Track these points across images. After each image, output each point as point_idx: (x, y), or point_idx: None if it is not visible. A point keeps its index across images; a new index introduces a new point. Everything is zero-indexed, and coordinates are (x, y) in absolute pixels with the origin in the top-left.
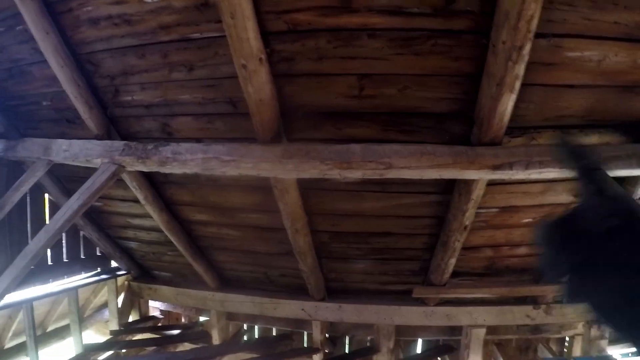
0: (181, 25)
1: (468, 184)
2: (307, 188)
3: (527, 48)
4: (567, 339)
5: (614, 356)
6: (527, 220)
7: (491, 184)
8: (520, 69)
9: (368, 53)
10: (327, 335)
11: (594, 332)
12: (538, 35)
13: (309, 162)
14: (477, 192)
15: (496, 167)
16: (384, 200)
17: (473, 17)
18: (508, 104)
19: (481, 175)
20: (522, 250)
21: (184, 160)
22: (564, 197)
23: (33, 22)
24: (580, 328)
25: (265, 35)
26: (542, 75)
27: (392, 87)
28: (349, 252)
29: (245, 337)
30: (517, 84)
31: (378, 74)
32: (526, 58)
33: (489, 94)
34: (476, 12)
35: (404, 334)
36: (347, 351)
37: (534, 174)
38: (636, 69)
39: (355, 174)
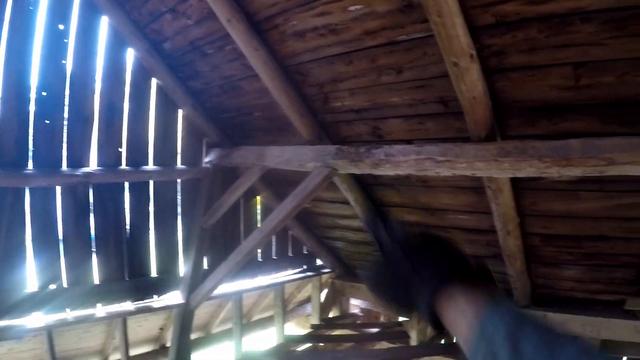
0: (386, 29)
1: None
2: (520, 188)
3: None
4: None
5: None
6: None
7: None
8: None
9: (582, 39)
10: None
11: None
12: None
13: (525, 160)
14: None
15: None
16: (601, 200)
17: None
18: None
19: None
20: None
21: (396, 161)
22: None
23: (242, 41)
24: None
25: (473, 30)
26: None
27: (610, 75)
28: (559, 256)
29: (442, 341)
30: None
31: (594, 61)
32: None
33: None
34: None
35: (608, 349)
36: None
37: None
38: None
39: (574, 172)
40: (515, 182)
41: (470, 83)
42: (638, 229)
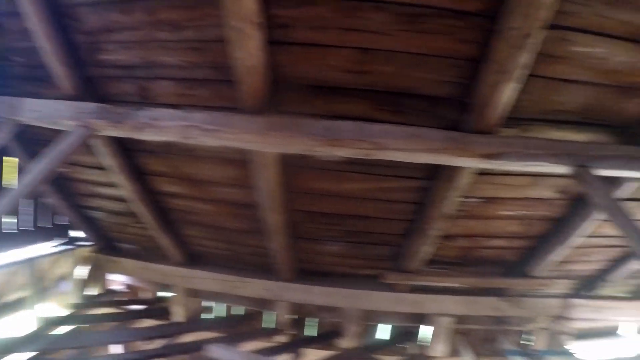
0: None
1: (453, 171)
2: (286, 164)
3: (535, 37)
4: (530, 332)
5: (574, 351)
6: (506, 212)
7: (477, 173)
8: (525, 58)
9: (371, 26)
10: (292, 316)
11: (556, 326)
12: (547, 26)
13: (296, 136)
14: (462, 180)
15: (487, 157)
16: (365, 182)
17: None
18: (507, 92)
19: (472, 164)
20: (497, 242)
21: (161, 127)
22: (547, 193)
23: None
24: (543, 322)
25: None
26: (545, 67)
27: (391, 65)
28: (322, 233)
29: (208, 316)
30: (520, 73)
31: (378, 49)
32: (532, 47)
33: (489, 80)
34: None
35: (370, 319)
36: (312, 334)
37: (524, 167)
38: (637, 71)
39: (344, 153)
40: (282, 158)
41: (249, 51)
42: (396, 211)
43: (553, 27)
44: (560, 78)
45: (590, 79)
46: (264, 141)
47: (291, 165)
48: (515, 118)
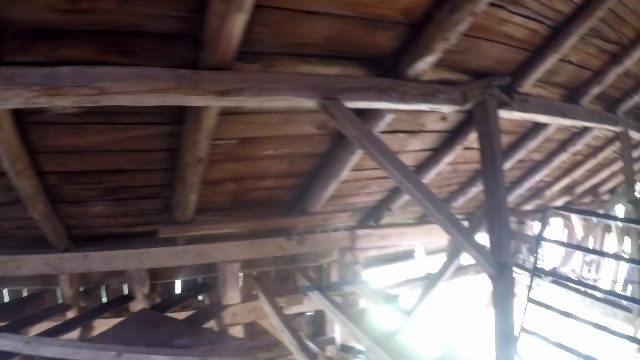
0: None
1: (197, 112)
2: (25, 122)
3: None
4: (323, 266)
5: (366, 279)
6: (268, 152)
7: (226, 113)
8: None
9: None
10: (80, 288)
11: (348, 258)
12: None
13: (13, 89)
14: (208, 121)
15: (223, 93)
16: (110, 133)
17: None
18: (236, 24)
19: (206, 102)
20: (268, 183)
21: None
22: (305, 129)
23: None
24: (335, 255)
25: None
26: None
27: (111, 1)
28: (83, 194)
29: None
30: (247, 3)
31: None
32: None
33: (216, 12)
34: None
35: (159, 277)
36: (102, 303)
37: (266, 102)
38: (382, 4)
39: (66, 101)
40: (19, 116)
41: None
42: (152, 160)
43: None
44: (298, 9)
45: (333, 11)
46: None
47: (30, 123)
48: (255, 52)
